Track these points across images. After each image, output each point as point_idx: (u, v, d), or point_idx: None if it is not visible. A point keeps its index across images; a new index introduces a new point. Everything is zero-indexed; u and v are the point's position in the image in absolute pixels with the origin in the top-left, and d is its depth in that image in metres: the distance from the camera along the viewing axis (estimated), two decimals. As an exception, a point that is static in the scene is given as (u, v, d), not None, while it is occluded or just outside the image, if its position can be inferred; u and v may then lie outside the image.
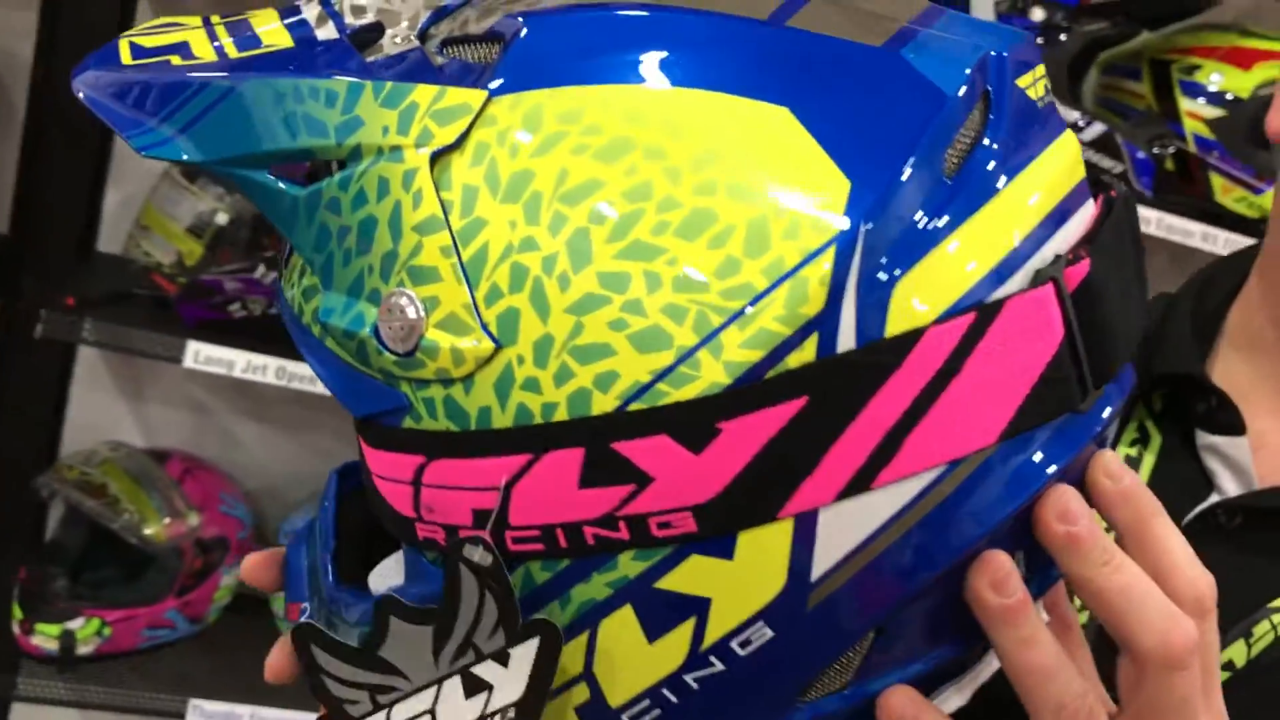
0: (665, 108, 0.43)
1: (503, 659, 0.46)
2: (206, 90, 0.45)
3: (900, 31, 0.45)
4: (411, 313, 0.44)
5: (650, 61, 0.44)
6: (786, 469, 0.42)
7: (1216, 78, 1.94)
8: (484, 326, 0.43)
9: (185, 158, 0.46)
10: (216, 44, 0.48)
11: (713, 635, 0.44)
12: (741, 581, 0.43)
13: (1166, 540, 0.46)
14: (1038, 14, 1.85)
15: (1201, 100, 1.94)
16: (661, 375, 0.41)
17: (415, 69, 0.45)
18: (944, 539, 0.43)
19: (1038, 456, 0.44)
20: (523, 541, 0.44)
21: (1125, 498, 0.46)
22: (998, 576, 0.44)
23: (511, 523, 0.44)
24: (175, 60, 0.47)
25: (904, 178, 0.41)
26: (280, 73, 0.46)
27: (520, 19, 0.45)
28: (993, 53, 0.44)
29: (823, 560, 0.43)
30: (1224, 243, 1.95)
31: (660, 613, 0.44)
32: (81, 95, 0.47)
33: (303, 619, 0.53)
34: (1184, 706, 0.45)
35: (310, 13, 0.48)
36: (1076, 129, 1.80)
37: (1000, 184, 0.43)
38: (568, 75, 0.44)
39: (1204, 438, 0.72)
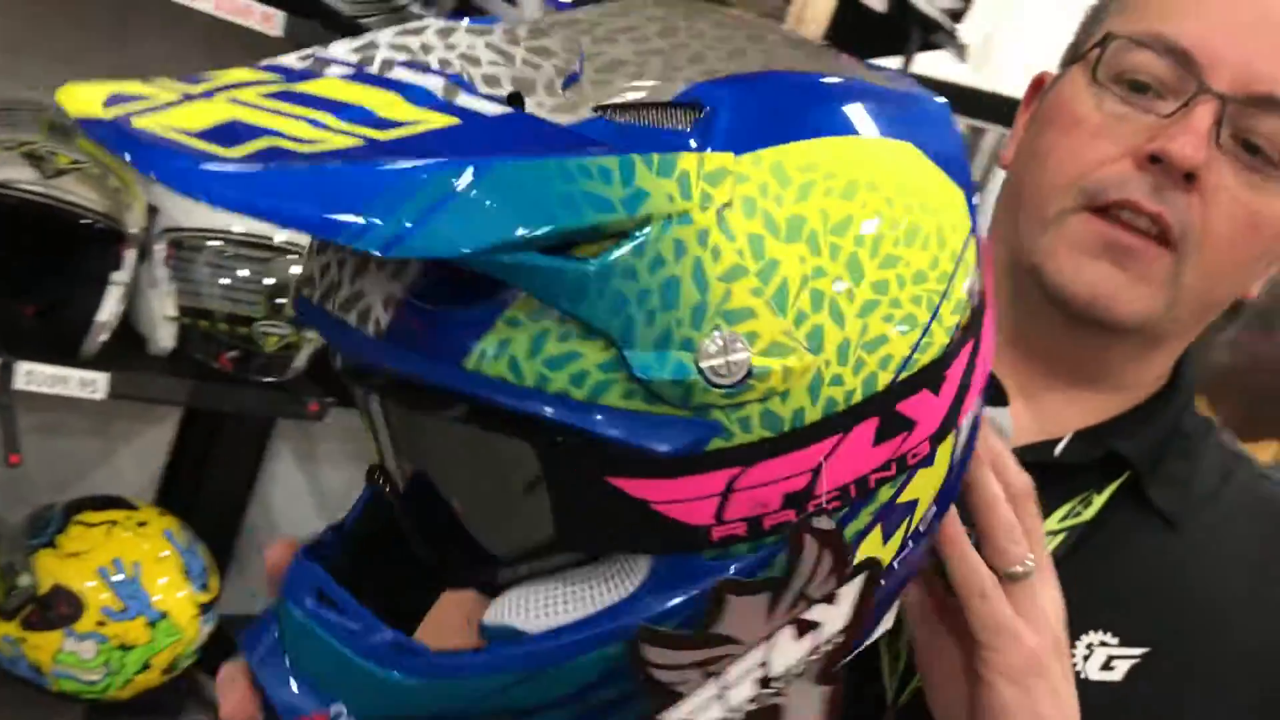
0: (863, 152, 0.55)
1: (830, 599, 0.55)
2: (438, 179, 0.44)
3: (887, 76, 0.61)
4: (739, 348, 0.50)
5: (833, 116, 0.55)
6: (964, 392, 0.59)
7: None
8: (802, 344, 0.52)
9: (446, 253, 0.44)
10: (317, 122, 0.46)
11: (914, 525, 0.59)
12: (934, 479, 0.59)
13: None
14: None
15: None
16: (915, 347, 0.55)
17: (626, 136, 0.49)
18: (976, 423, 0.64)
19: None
20: (825, 504, 0.54)
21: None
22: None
23: (816, 492, 0.53)
24: (283, 143, 0.44)
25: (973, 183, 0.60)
26: (512, 153, 0.46)
27: (715, 88, 0.52)
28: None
29: (960, 448, 0.61)
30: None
31: (895, 521, 0.58)
32: (253, 203, 0.42)
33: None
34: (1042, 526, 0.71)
35: (432, 83, 0.49)
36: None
37: None
38: (782, 133, 0.52)
39: None
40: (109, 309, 1.71)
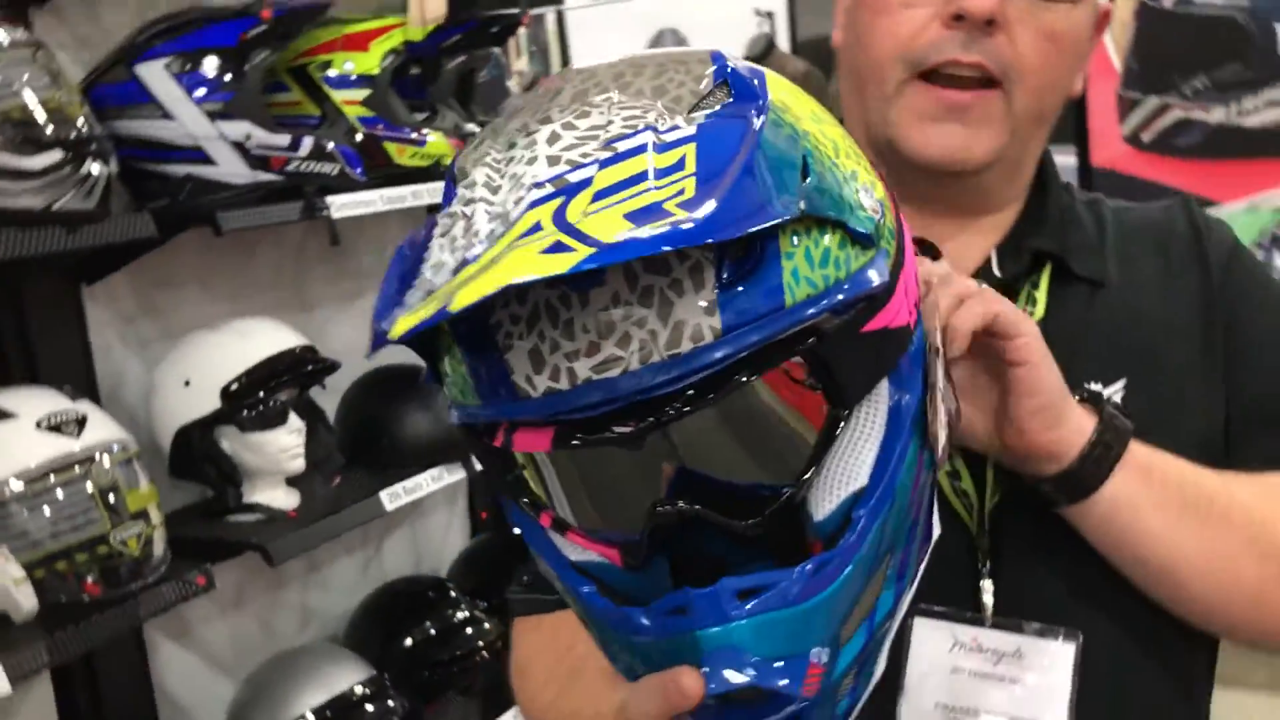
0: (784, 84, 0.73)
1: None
2: (774, 162, 0.64)
3: None
4: (871, 190, 0.70)
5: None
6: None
7: (349, 65, 2.19)
8: None
9: (802, 207, 0.64)
10: (657, 186, 0.61)
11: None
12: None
13: None
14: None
15: (348, 89, 2.18)
16: None
17: (737, 113, 0.67)
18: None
19: None
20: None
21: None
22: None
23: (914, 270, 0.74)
24: (678, 197, 0.60)
25: None
26: (747, 138, 0.64)
27: (715, 73, 0.70)
28: None
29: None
30: (426, 194, 2.26)
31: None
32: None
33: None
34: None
35: (646, 138, 0.65)
36: (293, 147, 1.96)
37: None
38: (760, 77, 0.71)
39: None
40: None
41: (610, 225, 0.59)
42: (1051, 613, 0.95)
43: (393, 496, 2.22)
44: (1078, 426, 0.89)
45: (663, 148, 0.64)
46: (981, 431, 0.90)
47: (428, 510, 2.82)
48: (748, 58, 3.02)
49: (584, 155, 0.65)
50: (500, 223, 0.62)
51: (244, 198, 1.95)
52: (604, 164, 0.63)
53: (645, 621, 0.68)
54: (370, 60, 2.21)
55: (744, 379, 0.64)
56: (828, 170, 0.68)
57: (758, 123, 0.66)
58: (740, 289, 0.63)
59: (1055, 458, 0.89)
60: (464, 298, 0.56)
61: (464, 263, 0.61)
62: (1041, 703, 0.93)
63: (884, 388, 0.70)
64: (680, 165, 0.62)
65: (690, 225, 0.57)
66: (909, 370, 0.71)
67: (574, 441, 0.65)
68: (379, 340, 0.61)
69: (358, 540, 2.63)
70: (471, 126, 2.44)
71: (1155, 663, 0.98)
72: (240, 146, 1.93)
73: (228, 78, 1.93)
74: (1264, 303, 1.06)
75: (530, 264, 0.57)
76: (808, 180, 0.65)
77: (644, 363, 0.62)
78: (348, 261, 2.60)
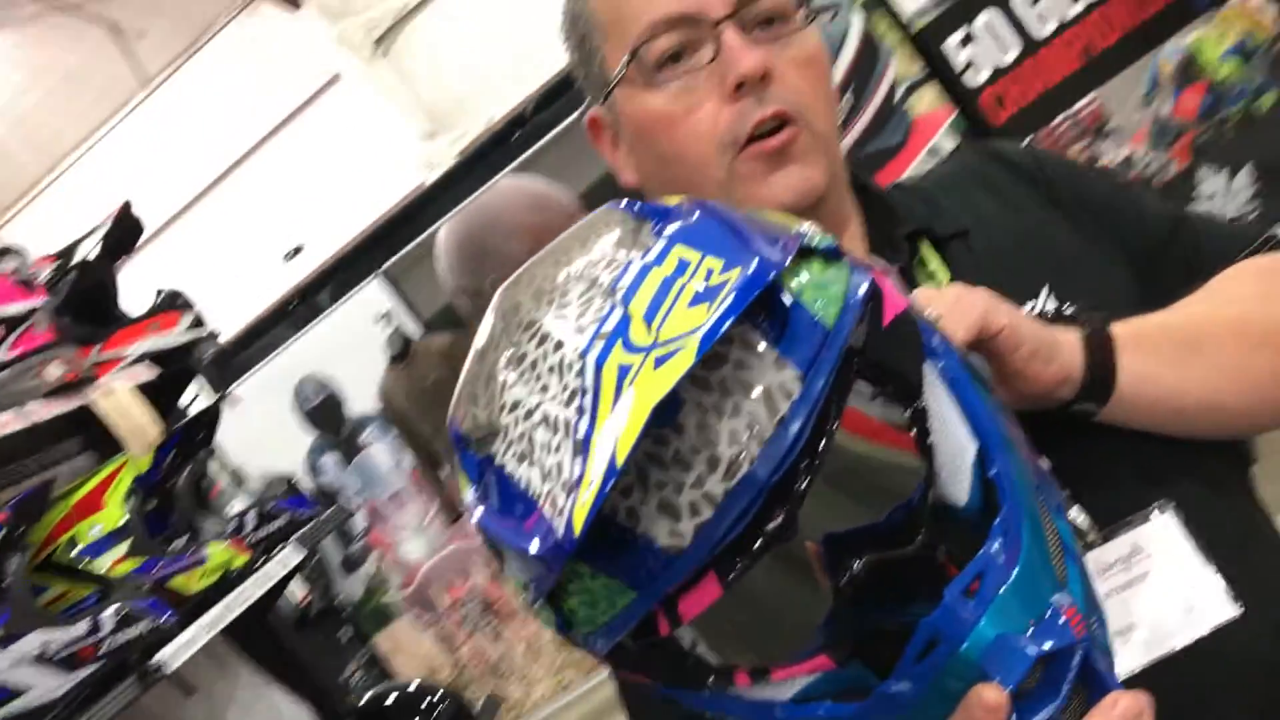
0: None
1: None
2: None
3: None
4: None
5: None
6: None
7: (96, 529, 2.05)
8: None
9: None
10: (691, 280, 0.65)
11: None
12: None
13: None
14: None
15: (107, 551, 2.04)
16: None
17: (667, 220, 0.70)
18: None
19: None
20: None
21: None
22: None
23: None
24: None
25: None
26: (726, 221, 0.70)
27: (642, 216, 0.71)
28: None
29: None
30: (238, 603, 2.11)
31: None
32: None
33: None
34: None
35: (648, 255, 0.67)
36: (94, 630, 1.80)
37: None
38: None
39: None
40: None
41: (686, 318, 0.61)
42: (1133, 500, 0.99)
43: None
44: (1069, 345, 0.93)
45: (657, 261, 0.65)
46: None
47: None
48: (394, 356, 3.09)
49: (599, 310, 0.64)
50: (580, 397, 0.62)
51: (75, 705, 1.76)
52: (624, 300, 0.64)
53: (904, 686, 0.65)
54: (113, 513, 2.09)
55: (837, 418, 0.65)
56: (771, 218, 0.72)
57: (703, 209, 0.70)
58: (789, 337, 0.64)
59: (1066, 381, 0.93)
60: (623, 446, 0.58)
61: (584, 442, 0.60)
62: (1181, 573, 0.96)
63: (925, 363, 0.72)
64: (686, 261, 0.65)
65: (752, 271, 0.62)
66: (929, 338, 0.74)
67: (739, 564, 0.63)
68: (564, 551, 0.60)
69: None
70: (232, 525, 2.34)
71: (1225, 487, 1.03)
72: (42, 658, 1.75)
73: (-8, 602, 1.76)
74: (1084, 172, 1.18)
75: (655, 382, 0.59)
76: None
77: (763, 443, 0.62)
78: (197, 713, 2.40)
